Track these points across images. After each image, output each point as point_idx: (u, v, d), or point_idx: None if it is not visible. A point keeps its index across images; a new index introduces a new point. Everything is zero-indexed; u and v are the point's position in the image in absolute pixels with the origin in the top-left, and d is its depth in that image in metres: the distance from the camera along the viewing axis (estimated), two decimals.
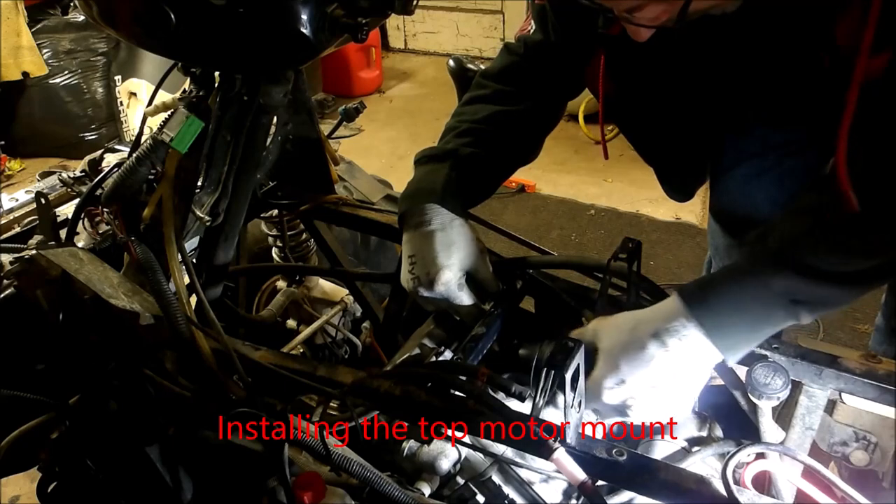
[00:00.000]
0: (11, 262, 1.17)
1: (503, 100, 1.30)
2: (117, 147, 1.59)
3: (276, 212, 1.59)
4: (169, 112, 1.17)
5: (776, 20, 1.05)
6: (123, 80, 4.01)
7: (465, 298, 1.15)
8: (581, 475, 0.84)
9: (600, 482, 0.94)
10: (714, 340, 0.93)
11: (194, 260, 1.29)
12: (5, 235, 1.44)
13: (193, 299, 1.15)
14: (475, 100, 1.33)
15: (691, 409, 0.99)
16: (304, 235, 1.67)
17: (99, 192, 1.22)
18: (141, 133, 1.28)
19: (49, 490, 1.07)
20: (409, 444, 1.01)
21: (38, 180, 1.63)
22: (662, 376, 0.94)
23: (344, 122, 1.59)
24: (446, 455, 0.99)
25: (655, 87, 1.27)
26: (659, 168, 1.49)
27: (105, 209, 1.22)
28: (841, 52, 0.92)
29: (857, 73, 0.86)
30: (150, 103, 1.32)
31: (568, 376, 0.86)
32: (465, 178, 1.22)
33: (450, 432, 0.98)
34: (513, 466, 1.00)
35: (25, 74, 3.88)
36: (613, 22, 1.10)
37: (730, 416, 1.10)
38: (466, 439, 0.99)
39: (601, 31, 1.15)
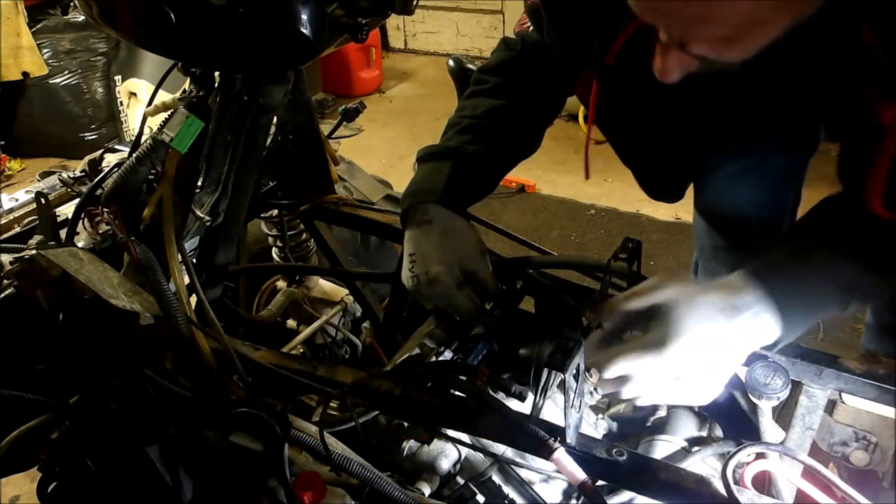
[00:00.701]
0: (11, 262, 1.16)
1: (503, 94, 1.31)
2: (117, 147, 1.59)
3: (276, 212, 1.59)
4: (169, 112, 1.17)
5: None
6: (123, 80, 4.01)
7: (464, 298, 1.15)
8: (581, 475, 0.84)
9: (600, 482, 0.94)
10: (782, 319, 0.91)
11: (194, 260, 1.29)
12: (5, 235, 1.44)
13: (193, 299, 1.15)
14: (475, 94, 1.34)
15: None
16: (304, 235, 1.67)
17: (99, 192, 1.22)
18: (141, 133, 1.28)
19: (49, 490, 1.07)
20: (409, 444, 1.01)
21: (38, 180, 1.63)
22: (720, 350, 0.91)
23: (344, 122, 1.59)
24: (446, 455, 0.99)
25: (646, 102, 1.26)
26: (643, 173, 1.48)
27: (105, 209, 1.22)
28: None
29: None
30: (150, 103, 1.32)
31: (568, 376, 0.86)
32: (467, 176, 1.23)
33: (450, 432, 0.98)
34: (513, 466, 1.00)
35: (25, 74, 3.88)
36: (608, 51, 1.09)
37: (730, 416, 1.10)
38: (466, 439, 0.99)
39: (595, 55, 1.15)
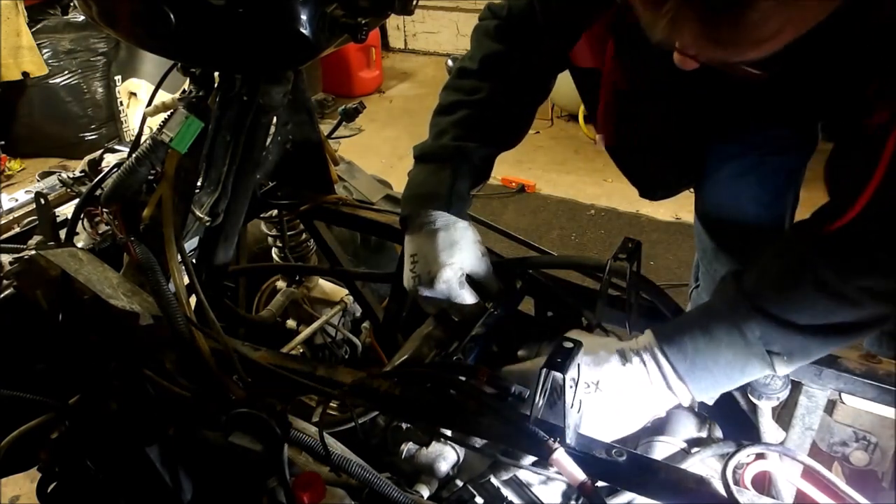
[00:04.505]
0: (11, 263, 1.16)
1: (494, 73, 1.27)
2: (117, 147, 1.60)
3: (276, 212, 1.59)
4: (169, 112, 1.17)
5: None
6: (123, 80, 4.01)
7: (466, 297, 1.15)
8: (581, 476, 0.84)
9: (600, 483, 0.94)
10: (689, 383, 0.95)
11: (194, 260, 1.29)
12: (5, 235, 1.44)
13: (193, 299, 1.15)
14: (467, 73, 1.31)
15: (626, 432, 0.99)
16: (304, 235, 1.67)
17: (98, 192, 1.22)
18: (141, 133, 1.28)
19: (49, 490, 1.06)
20: (408, 447, 1.00)
21: (38, 180, 1.63)
22: (611, 387, 0.96)
23: (344, 122, 1.59)
24: (445, 457, 0.98)
25: (658, 81, 1.23)
26: (640, 168, 1.46)
27: (105, 209, 1.22)
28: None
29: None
30: (149, 103, 1.32)
31: (568, 377, 0.86)
32: (467, 179, 1.22)
33: (449, 433, 0.98)
34: (512, 468, 1.00)
35: (25, 74, 3.88)
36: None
37: (730, 417, 1.10)
38: (466, 440, 0.99)
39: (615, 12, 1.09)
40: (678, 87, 1.21)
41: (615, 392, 0.96)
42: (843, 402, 1.06)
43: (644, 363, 0.96)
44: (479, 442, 0.98)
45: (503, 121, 1.28)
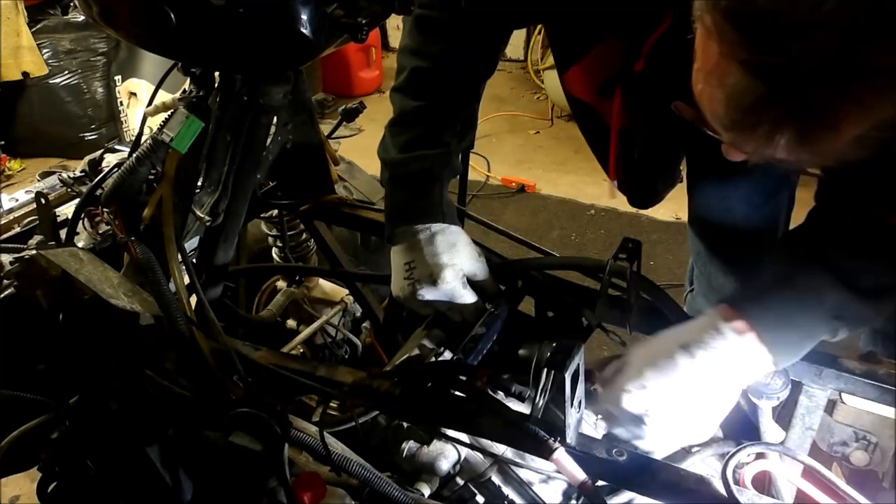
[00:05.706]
0: (11, 262, 1.16)
1: (457, 74, 1.25)
2: (117, 147, 1.59)
3: (276, 212, 1.59)
4: (169, 112, 1.17)
5: None
6: (123, 80, 4.01)
7: (468, 297, 1.15)
8: (581, 475, 0.84)
9: (600, 482, 0.94)
10: (768, 347, 0.92)
11: (194, 260, 1.29)
12: (5, 235, 1.44)
13: (193, 299, 1.15)
14: (420, 75, 1.28)
15: (712, 433, 0.97)
16: (304, 235, 1.67)
17: (99, 192, 1.22)
18: (141, 133, 1.28)
19: (49, 490, 1.06)
20: (409, 445, 1.01)
21: (38, 180, 1.63)
22: (686, 388, 0.93)
23: (344, 122, 1.59)
24: (445, 456, 0.99)
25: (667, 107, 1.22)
26: (630, 180, 1.45)
27: (105, 209, 1.22)
28: None
29: None
30: (150, 103, 1.32)
31: (568, 376, 0.86)
32: (448, 184, 1.24)
33: (450, 433, 0.98)
34: (512, 467, 1.00)
35: (25, 74, 3.88)
36: (636, 53, 1.04)
37: (730, 416, 1.10)
38: (466, 439, 0.99)
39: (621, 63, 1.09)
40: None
41: (688, 394, 0.93)
42: (844, 402, 1.06)
43: (708, 350, 0.92)
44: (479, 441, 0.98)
45: (468, 115, 1.29)
